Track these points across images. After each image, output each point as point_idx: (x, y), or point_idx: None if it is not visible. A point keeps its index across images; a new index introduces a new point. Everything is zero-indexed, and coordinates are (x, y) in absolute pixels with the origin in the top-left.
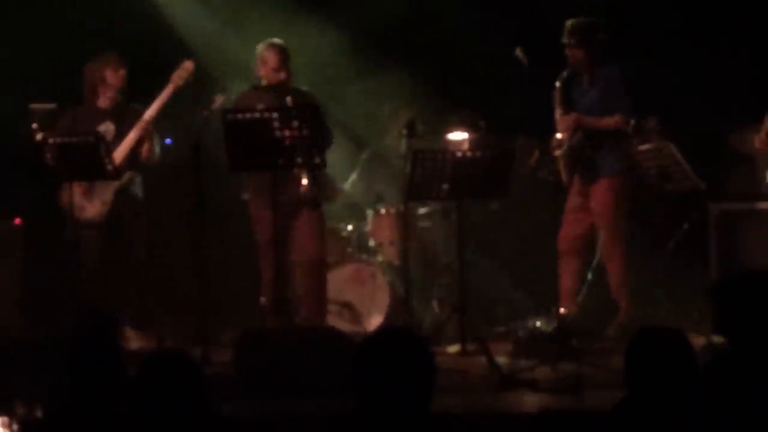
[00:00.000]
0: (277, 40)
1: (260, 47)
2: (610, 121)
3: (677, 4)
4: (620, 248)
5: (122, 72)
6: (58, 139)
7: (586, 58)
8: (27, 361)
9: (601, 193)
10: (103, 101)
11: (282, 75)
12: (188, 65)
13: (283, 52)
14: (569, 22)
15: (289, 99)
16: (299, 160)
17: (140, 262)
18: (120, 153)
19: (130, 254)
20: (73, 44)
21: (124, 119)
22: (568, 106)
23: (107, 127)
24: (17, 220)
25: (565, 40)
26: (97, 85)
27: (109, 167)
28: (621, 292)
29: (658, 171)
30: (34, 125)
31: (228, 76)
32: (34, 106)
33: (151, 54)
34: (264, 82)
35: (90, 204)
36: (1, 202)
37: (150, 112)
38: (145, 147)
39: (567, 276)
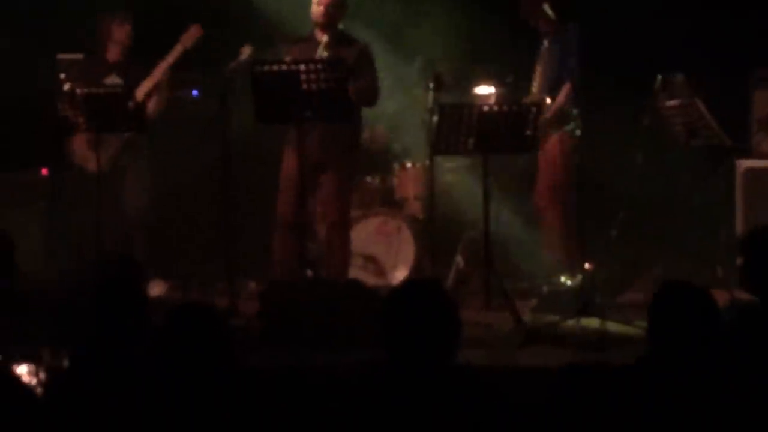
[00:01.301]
0: None
1: None
2: (562, 99)
3: None
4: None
5: (128, 27)
6: (86, 90)
7: (545, 24)
8: (53, 309)
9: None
10: (111, 54)
11: (321, 8)
12: (195, 29)
13: None
14: None
15: (321, 49)
16: (326, 112)
17: (141, 209)
18: (147, 84)
19: (130, 205)
20: None
21: (130, 74)
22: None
23: (113, 81)
24: (44, 171)
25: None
26: (104, 38)
27: (138, 119)
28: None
29: (686, 127)
30: (62, 75)
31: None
32: (62, 56)
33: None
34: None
35: (94, 155)
36: (28, 151)
37: (157, 73)
38: (154, 100)
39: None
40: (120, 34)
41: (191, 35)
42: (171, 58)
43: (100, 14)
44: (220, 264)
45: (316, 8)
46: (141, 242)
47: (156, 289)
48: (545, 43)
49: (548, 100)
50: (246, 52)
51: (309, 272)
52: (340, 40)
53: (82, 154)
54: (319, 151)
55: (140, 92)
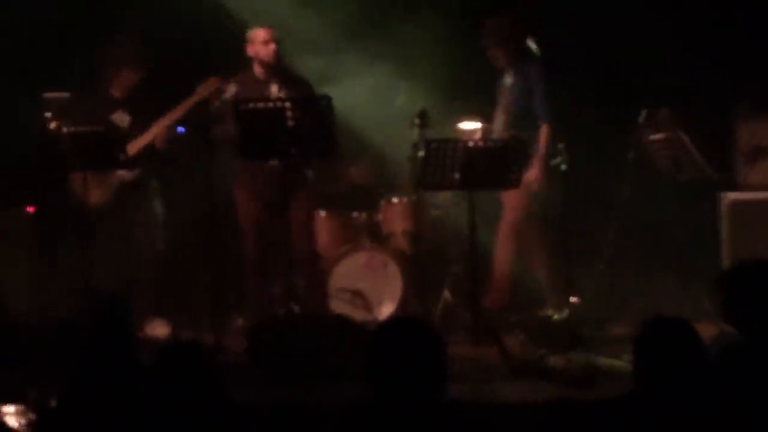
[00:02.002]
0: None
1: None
2: (543, 146)
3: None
4: None
5: (141, 74)
6: (72, 129)
7: (505, 56)
8: (40, 349)
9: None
10: (117, 91)
11: (272, 47)
12: (213, 82)
13: (270, 29)
14: (485, 22)
15: (275, 88)
16: (311, 149)
17: (155, 251)
18: (135, 148)
19: (141, 243)
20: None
21: (139, 111)
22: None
23: (121, 117)
24: (30, 208)
25: (483, 41)
26: (112, 75)
27: (122, 157)
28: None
29: (671, 160)
30: (48, 114)
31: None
32: (48, 95)
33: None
34: (256, 67)
35: (95, 189)
36: (13, 190)
37: (169, 120)
38: (159, 138)
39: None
40: (131, 79)
41: (209, 87)
42: (184, 108)
43: (111, 51)
44: (206, 300)
45: (265, 48)
46: (148, 281)
47: (159, 329)
48: (506, 78)
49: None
50: (231, 89)
51: (296, 307)
52: (289, 77)
53: (80, 189)
54: (278, 184)
55: (150, 135)
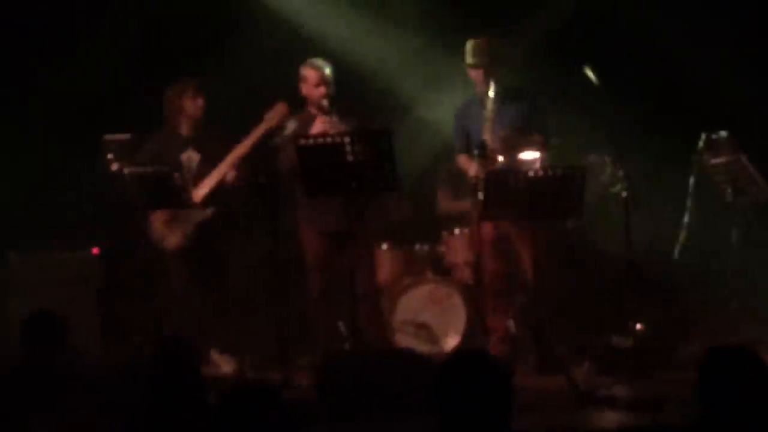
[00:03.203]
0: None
1: (301, 68)
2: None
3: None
4: None
5: (200, 100)
6: (134, 170)
7: (494, 76)
8: (110, 391)
9: None
10: (185, 129)
11: (321, 91)
12: (281, 107)
13: (320, 70)
14: (470, 43)
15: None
16: (372, 183)
17: (226, 289)
18: (206, 186)
19: (216, 282)
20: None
21: (207, 146)
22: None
23: (190, 155)
24: (95, 250)
25: (472, 61)
26: (176, 112)
27: (185, 196)
28: None
29: (732, 184)
30: (109, 156)
31: None
32: (108, 136)
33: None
34: (310, 105)
35: (172, 233)
36: (79, 232)
37: (240, 150)
38: (232, 175)
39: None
40: (192, 107)
41: (277, 113)
42: (254, 136)
43: (170, 87)
44: (273, 337)
45: (316, 90)
46: (218, 319)
47: (226, 366)
48: (490, 102)
49: (500, 158)
50: (291, 126)
51: (361, 342)
52: (344, 114)
53: (159, 233)
54: (339, 221)
55: (220, 171)
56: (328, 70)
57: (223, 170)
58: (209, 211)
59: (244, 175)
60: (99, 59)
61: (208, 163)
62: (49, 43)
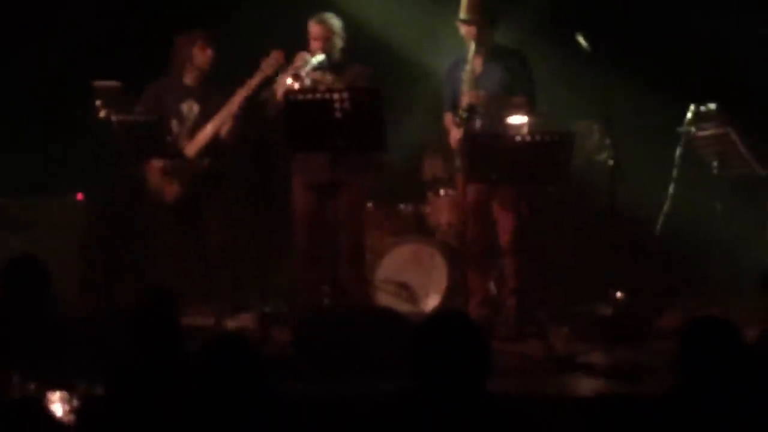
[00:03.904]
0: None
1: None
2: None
3: None
4: None
5: (209, 51)
6: (122, 117)
7: (485, 36)
8: (88, 339)
9: None
10: (189, 78)
11: (317, 45)
12: (278, 55)
13: (323, 23)
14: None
15: (329, 78)
16: (359, 142)
17: (216, 244)
18: (202, 138)
19: (206, 236)
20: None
21: (208, 100)
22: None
23: (191, 106)
24: (79, 196)
25: (465, 16)
26: (184, 61)
27: (174, 145)
28: None
29: (718, 156)
30: (98, 102)
31: None
32: (98, 83)
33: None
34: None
35: (170, 185)
36: (66, 178)
37: (236, 101)
38: (227, 128)
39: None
40: (201, 58)
41: (273, 61)
42: (250, 86)
43: (180, 35)
44: (254, 291)
45: (315, 44)
46: (205, 271)
47: (205, 318)
48: (477, 59)
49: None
50: (282, 80)
51: (342, 299)
52: (346, 69)
53: (156, 184)
54: (329, 172)
55: (216, 123)
56: (334, 23)
57: (218, 123)
58: (205, 162)
59: (238, 128)
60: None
61: (208, 115)
62: None
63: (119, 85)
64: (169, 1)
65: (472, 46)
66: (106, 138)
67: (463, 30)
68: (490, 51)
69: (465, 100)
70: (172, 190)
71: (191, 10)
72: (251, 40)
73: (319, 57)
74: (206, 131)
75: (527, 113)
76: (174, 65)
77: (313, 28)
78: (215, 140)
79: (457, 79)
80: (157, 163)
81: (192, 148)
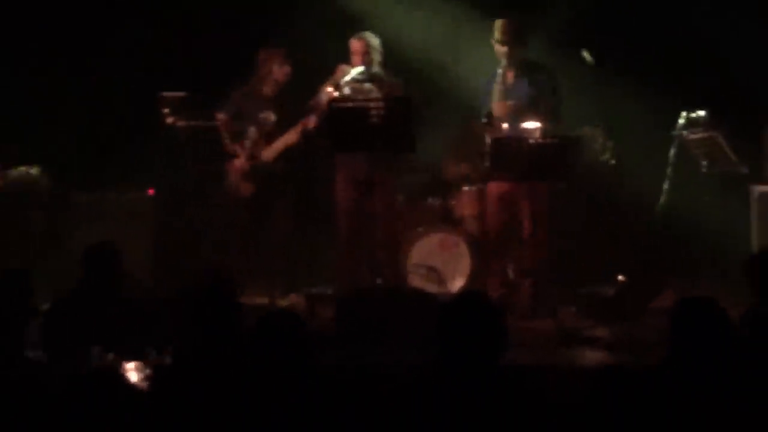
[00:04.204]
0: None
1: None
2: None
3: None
4: None
5: (287, 68)
6: (184, 123)
7: (516, 54)
8: (158, 315)
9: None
10: (268, 90)
11: (357, 59)
12: (342, 68)
13: (363, 40)
14: (503, 23)
15: (368, 87)
16: (392, 144)
17: (280, 235)
18: (281, 144)
19: (272, 228)
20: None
21: (284, 110)
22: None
23: (268, 116)
24: (150, 191)
25: (499, 37)
26: (266, 74)
27: (229, 149)
28: None
29: (707, 157)
30: (165, 110)
31: None
32: (165, 94)
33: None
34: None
35: (245, 184)
36: (139, 176)
37: (311, 122)
38: (294, 141)
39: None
40: (280, 73)
41: (340, 73)
42: (323, 98)
43: (262, 51)
44: (302, 275)
45: (358, 58)
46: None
47: (291, 299)
48: (508, 75)
49: (505, 126)
50: (327, 91)
51: (378, 281)
52: (383, 79)
53: (235, 180)
54: (367, 170)
55: (293, 135)
56: (373, 40)
57: (288, 138)
58: (280, 165)
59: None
60: (166, 24)
61: (283, 124)
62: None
63: (184, 96)
64: (231, 20)
65: (504, 62)
66: (174, 141)
67: (497, 48)
68: (520, 66)
69: (494, 109)
70: (248, 188)
71: (252, 28)
72: (304, 55)
73: (359, 69)
74: (281, 141)
75: (547, 122)
76: (255, 77)
77: (354, 44)
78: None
79: (490, 91)
80: (238, 164)
81: (270, 153)
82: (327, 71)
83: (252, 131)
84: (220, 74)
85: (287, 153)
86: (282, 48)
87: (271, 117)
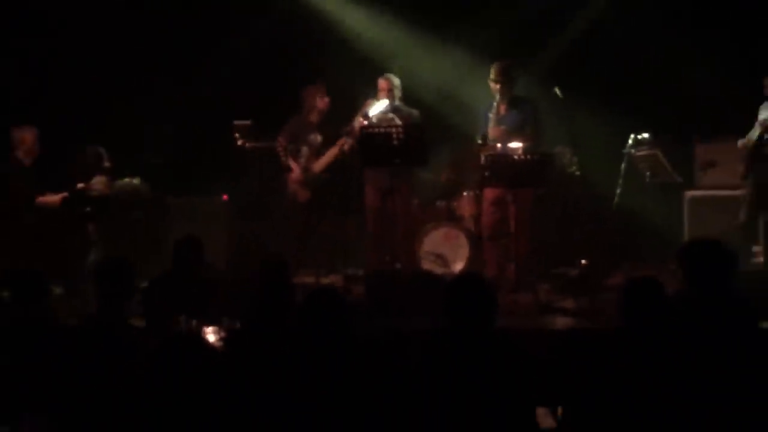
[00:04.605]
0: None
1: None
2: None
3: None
4: None
5: (327, 99)
6: (252, 144)
7: (507, 90)
8: (231, 292)
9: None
10: (313, 117)
11: (383, 95)
12: (369, 102)
13: (387, 80)
14: (497, 65)
15: (390, 116)
16: (409, 159)
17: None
18: (327, 159)
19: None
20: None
21: (327, 132)
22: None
23: (316, 137)
24: (225, 197)
25: (493, 77)
26: (311, 105)
27: (285, 165)
28: None
29: (650, 170)
30: (236, 135)
31: None
32: (236, 122)
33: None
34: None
35: (302, 190)
36: (216, 184)
37: (348, 144)
38: (347, 147)
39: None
40: (322, 103)
41: (367, 105)
42: (356, 125)
43: (308, 87)
44: (340, 259)
45: (384, 94)
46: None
47: (331, 279)
48: (500, 107)
49: (498, 145)
50: (359, 120)
51: (398, 265)
52: (402, 110)
53: (294, 188)
54: (389, 180)
55: (335, 150)
56: (395, 80)
57: (336, 152)
58: (327, 175)
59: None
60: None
61: (327, 143)
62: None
63: (251, 123)
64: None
65: (497, 97)
66: (243, 159)
67: (492, 86)
68: (510, 100)
69: (490, 133)
70: (304, 194)
71: (302, 69)
72: (342, 90)
73: (384, 102)
74: (328, 157)
75: (531, 142)
76: (304, 108)
77: (381, 83)
78: (334, 160)
79: (487, 118)
80: (294, 175)
81: (318, 165)
82: (358, 103)
83: (305, 150)
84: (277, 106)
85: (331, 166)
86: (323, 84)
87: (318, 138)
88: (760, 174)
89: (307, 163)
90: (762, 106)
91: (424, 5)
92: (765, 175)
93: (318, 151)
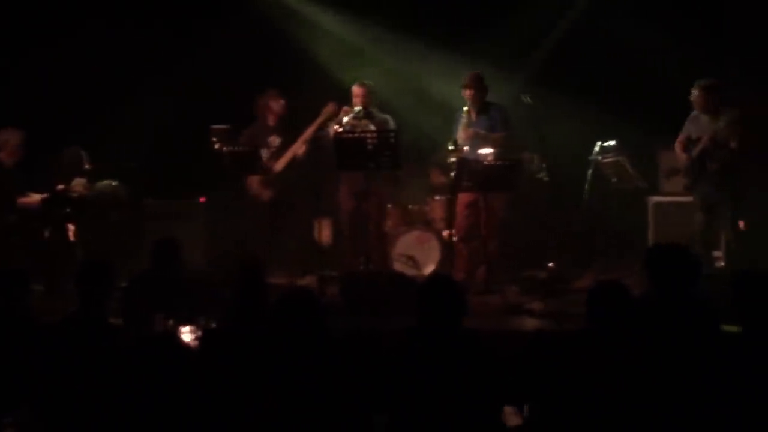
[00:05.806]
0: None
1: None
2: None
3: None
4: None
5: (282, 101)
6: (229, 148)
7: (478, 97)
8: (207, 291)
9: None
10: (271, 120)
11: (357, 101)
12: (331, 105)
13: (362, 86)
14: (469, 74)
15: (365, 123)
16: (382, 164)
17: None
18: (285, 159)
19: (285, 223)
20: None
21: (286, 134)
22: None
23: (274, 139)
24: (202, 199)
25: (465, 84)
26: (265, 110)
27: (262, 166)
28: None
29: (615, 176)
30: (213, 139)
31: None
32: (214, 126)
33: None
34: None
35: (265, 191)
36: (191, 187)
37: (307, 133)
38: (301, 151)
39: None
40: (277, 106)
41: (329, 109)
42: (316, 124)
43: (260, 95)
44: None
45: (358, 100)
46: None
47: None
48: (471, 113)
49: (466, 149)
50: (333, 127)
51: (372, 266)
52: (375, 116)
53: (255, 189)
54: (364, 183)
55: (293, 150)
56: (370, 86)
57: (295, 149)
58: (289, 175)
59: (309, 151)
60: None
61: (286, 144)
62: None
63: (228, 127)
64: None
65: (469, 102)
66: (219, 162)
67: (464, 92)
68: (481, 106)
69: (460, 136)
70: (267, 194)
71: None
72: (314, 95)
73: (357, 109)
74: (287, 154)
75: (499, 145)
76: (259, 114)
77: (355, 89)
78: (294, 160)
79: (459, 123)
80: (256, 177)
81: (279, 165)
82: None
83: (264, 152)
84: (254, 111)
85: (293, 164)
86: (274, 88)
87: (277, 141)
88: (703, 197)
89: (267, 163)
90: (692, 117)
91: (399, 9)
92: (709, 197)
93: (278, 153)
